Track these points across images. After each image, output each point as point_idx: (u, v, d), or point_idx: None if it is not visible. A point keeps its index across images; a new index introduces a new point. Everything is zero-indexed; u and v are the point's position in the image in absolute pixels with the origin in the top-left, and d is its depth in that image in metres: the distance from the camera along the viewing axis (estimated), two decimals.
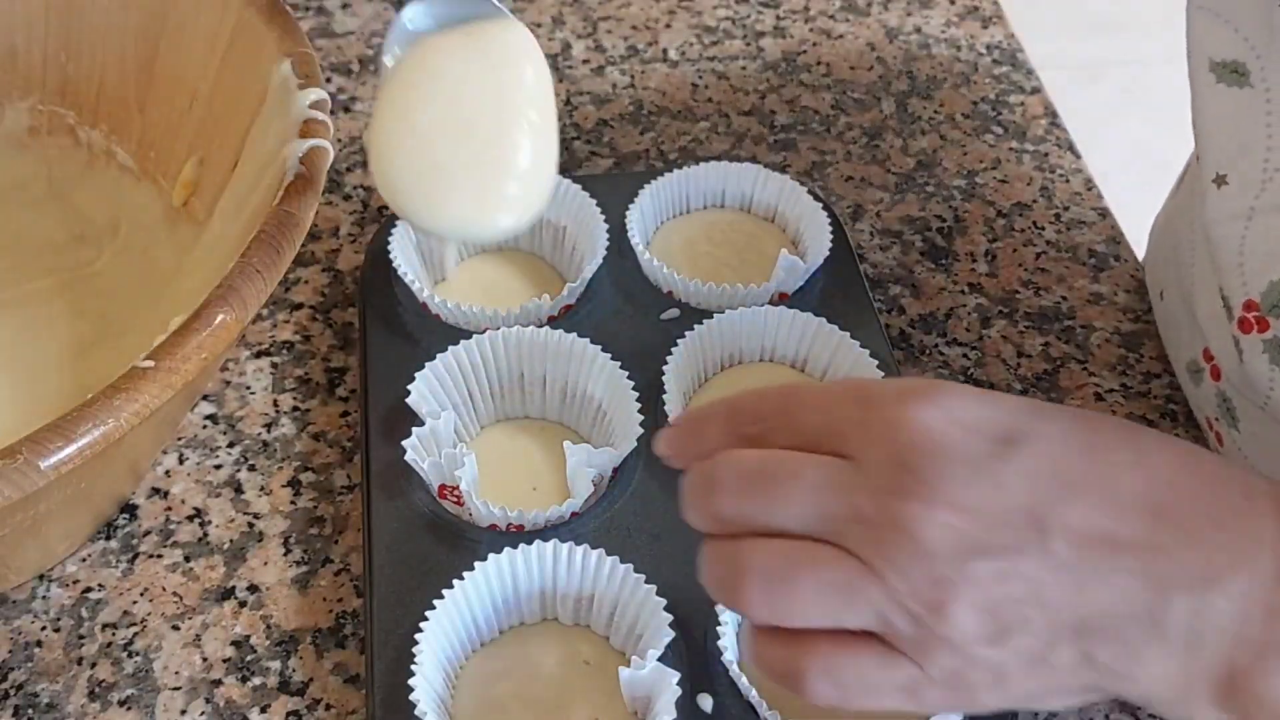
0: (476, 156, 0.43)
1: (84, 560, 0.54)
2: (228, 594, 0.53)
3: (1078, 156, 0.74)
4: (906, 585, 0.35)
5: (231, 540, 0.55)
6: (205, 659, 0.51)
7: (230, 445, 0.58)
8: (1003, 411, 0.36)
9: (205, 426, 0.58)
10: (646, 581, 0.48)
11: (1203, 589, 0.35)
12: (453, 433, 0.53)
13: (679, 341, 0.56)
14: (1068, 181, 0.72)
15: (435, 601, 0.47)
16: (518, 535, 0.51)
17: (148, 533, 0.55)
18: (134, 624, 0.52)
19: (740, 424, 0.40)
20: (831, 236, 0.61)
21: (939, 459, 0.35)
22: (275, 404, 0.60)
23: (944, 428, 0.35)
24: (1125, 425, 0.38)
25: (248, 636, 0.52)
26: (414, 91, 0.41)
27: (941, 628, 0.35)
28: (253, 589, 0.53)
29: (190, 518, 0.55)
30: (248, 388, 0.60)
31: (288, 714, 0.50)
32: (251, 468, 0.57)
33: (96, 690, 0.50)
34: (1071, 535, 0.35)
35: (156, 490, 0.56)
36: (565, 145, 0.73)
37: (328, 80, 0.76)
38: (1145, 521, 0.35)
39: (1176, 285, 0.61)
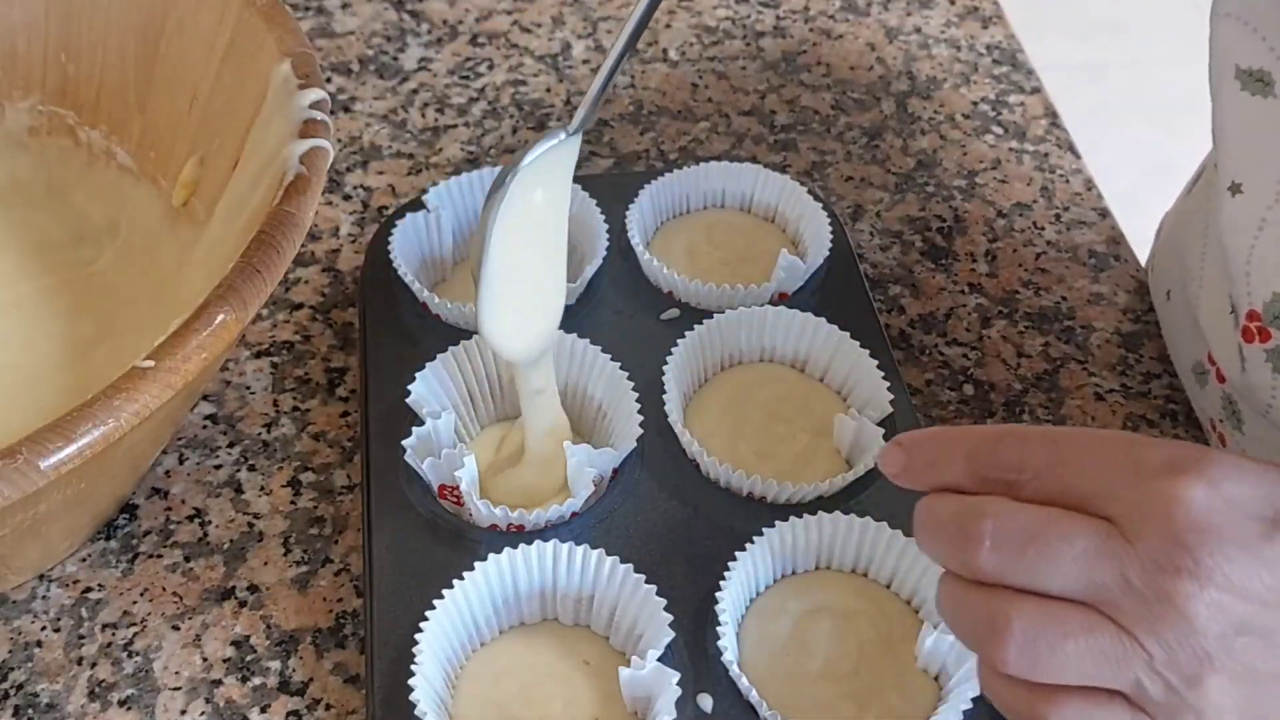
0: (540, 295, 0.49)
1: (84, 560, 0.54)
2: (228, 594, 0.53)
3: (1078, 156, 0.74)
4: (1168, 656, 0.35)
5: (231, 540, 0.55)
6: (205, 659, 0.51)
7: (230, 445, 0.58)
8: (1271, 487, 0.36)
9: (205, 426, 0.58)
10: (646, 581, 0.48)
11: None
12: (453, 433, 0.53)
13: (679, 341, 0.56)
14: (1068, 181, 0.72)
15: (435, 601, 0.47)
16: (518, 535, 0.51)
17: (148, 533, 0.55)
18: (134, 624, 0.52)
19: (995, 467, 0.39)
20: (831, 236, 0.61)
21: (1211, 539, 0.35)
22: (275, 404, 0.60)
23: (1218, 506, 0.35)
24: None
25: (248, 636, 0.52)
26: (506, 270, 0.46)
27: (1195, 697, 0.35)
28: (253, 589, 0.53)
29: (190, 518, 0.55)
30: (248, 388, 0.60)
31: (288, 714, 0.50)
32: (251, 468, 0.57)
33: (96, 690, 0.50)
34: None
35: (156, 490, 0.56)
36: None
37: (328, 80, 0.76)
38: None
39: (1181, 288, 0.61)
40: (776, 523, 0.50)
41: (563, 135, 0.46)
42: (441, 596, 0.47)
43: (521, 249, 0.46)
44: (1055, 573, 0.36)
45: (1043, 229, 0.69)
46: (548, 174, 0.46)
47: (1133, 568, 0.35)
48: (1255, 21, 0.51)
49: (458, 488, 0.51)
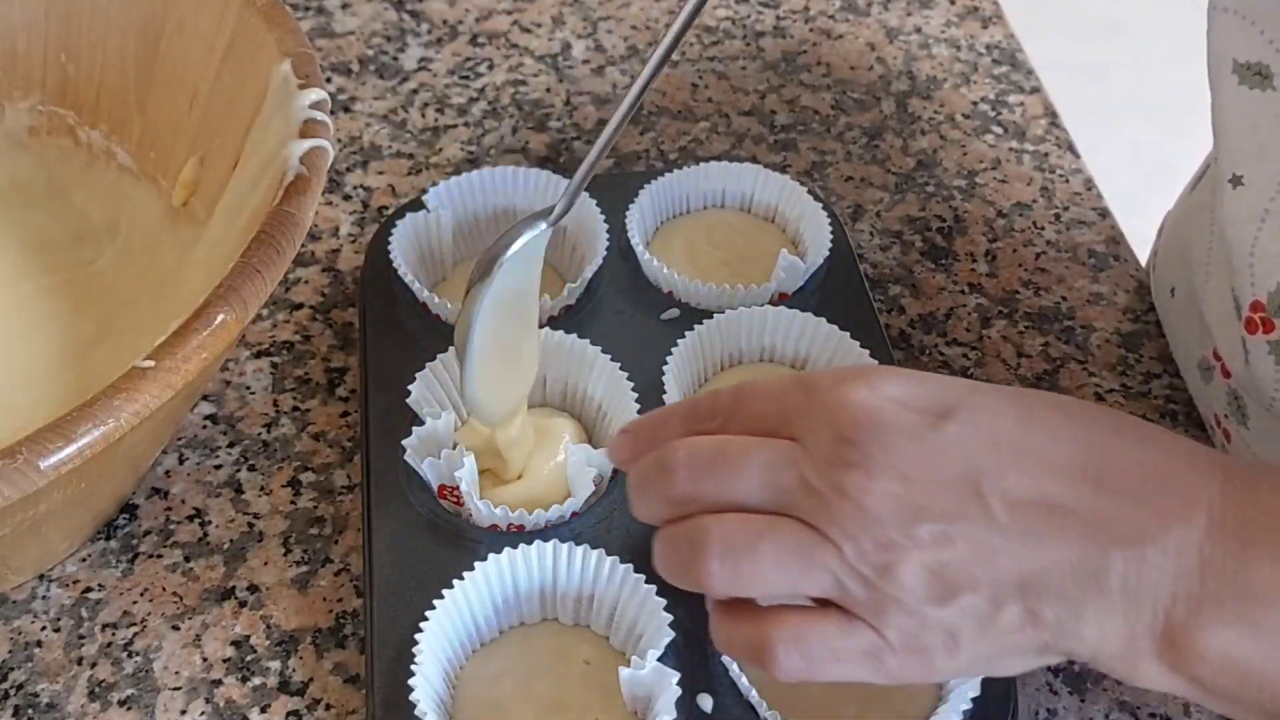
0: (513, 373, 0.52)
1: (84, 560, 0.54)
2: (228, 594, 0.53)
3: (1078, 156, 0.74)
4: (856, 550, 0.37)
5: (231, 540, 0.55)
6: (205, 659, 0.51)
7: (230, 445, 0.58)
8: (937, 388, 0.39)
9: (205, 426, 0.58)
10: (646, 581, 0.48)
11: (1139, 544, 0.36)
12: (452, 433, 0.53)
13: (679, 341, 0.56)
14: (1068, 181, 0.72)
15: (435, 601, 0.47)
16: (518, 535, 0.51)
17: (148, 533, 0.55)
18: (134, 624, 0.52)
19: (696, 422, 0.42)
20: (831, 236, 0.61)
21: (877, 431, 0.37)
22: (275, 404, 0.60)
23: (880, 404, 0.38)
24: (1059, 397, 0.40)
25: (248, 636, 0.52)
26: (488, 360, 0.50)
27: (892, 589, 0.37)
28: (253, 589, 0.53)
29: (190, 518, 0.55)
30: (248, 388, 0.60)
31: (288, 714, 0.50)
32: (251, 468, 0.57)
33: (96, 690, 0.50)
34: (1008, 499, 0.37)
35: (156, 490, 0.56)
36: (565, 145, 0.73)
37: (328, 80, 0.76)
38: (1082, 484, 0.37)
39: (1187, 284, 0.61)
40: None
41: (543, 226, 0.48)
42: (441, 596, 0.47)
43: (502, 328, 0.49)
44: (743, 485, 0.39)
45: (1043, 229, 0.69)
46: (525, 256, 0.49)
47: (809, 469, 0.38)
48: (1252, 15, 0.51)
49: (458, 488, 0.51)
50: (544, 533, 0.51)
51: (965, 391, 0.39)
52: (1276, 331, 0.50)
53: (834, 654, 0.38)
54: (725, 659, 0.47)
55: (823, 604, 0.39)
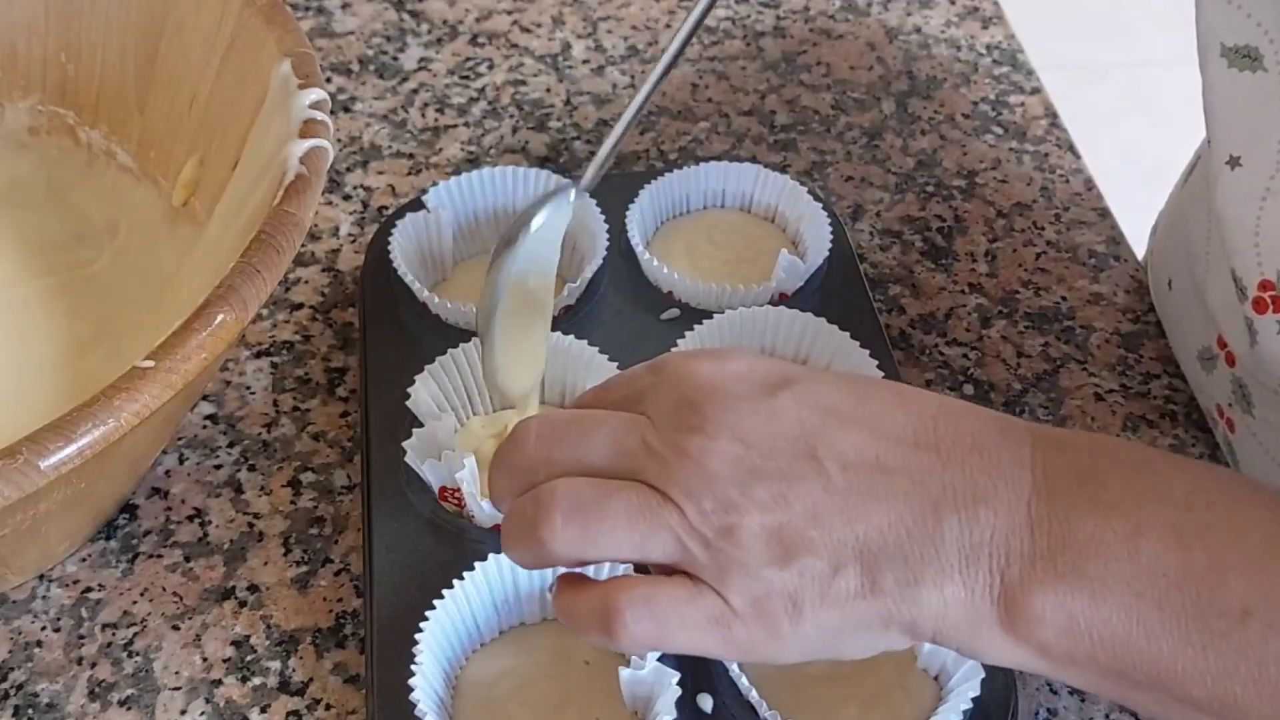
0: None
1: (84, 560, 0.54)
2: (228, 594, 0.53)
3: (1078, 157, 0.74)
4: (697, 509, 0.38)
5: (231, 540, 0.55)
6: (205, 659, 0.51)
7: (230, 445, 0.58)
8: (775, 365, 0.41)
9: (205, 426, 0.58)
10: None
11: (970, 505, 0.37)
12: (452, 434, 0.53)
13: (679, 341, 0.56)
14: (1068, 181, 0.72)
15: (435, 601, 0.47)
16: None
17: (148, 533, 0.55)
18: (134, 624, 0.52)
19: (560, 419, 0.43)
20: (831, 236, 0.61)
21: (716, 396, 0.39)
22: (275, 404, 0.60)
23: (721, 373, 0.40)
24: (888, 381, 0.42)
25: (248, 636, 0.52)
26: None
27: (733, 550, 0.38)
28: (253, 589, 0.53)
29: (190, 518, 0.55)
30: (248, 388, 0.60)
31: (288, 714, 0.50)
32: (251, 468, 0.57)
33: (96, 690, 0.50)
34: (843, 461, 0.38)
35: (156, 490, 0.56)
36: (565, 145, 0.73)
37: (328, 80, 0.76)
38: (912, 449, 0.38)
39: (1187, 274, 0.61)
40: None
41: (572, 194, 0.50)
42: (441, 596, 0.47)
43: (524, 301, 0.50)
44: (590, 450, 0.40)
45: (1043, 229, 0.69)
46: (550, 227, 0.50)
47: (651, 434, 0.39)
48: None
49: (459, 490, 0.51)
50: None
51: (805, 370, 0.41)
52: None
53: (683, 620, 0.38)
54: (725, 659, 0.47)
55: (667, 573, 0.39)
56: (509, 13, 0.82)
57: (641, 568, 0.41)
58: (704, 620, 0.38)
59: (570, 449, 0.40)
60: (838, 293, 0.61)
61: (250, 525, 0.55)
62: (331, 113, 0.52)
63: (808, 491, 0.38)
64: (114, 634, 0.52)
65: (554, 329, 0.56)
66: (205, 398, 0.59)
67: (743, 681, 0.46)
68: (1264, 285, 0.51)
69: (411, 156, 0.72)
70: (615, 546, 0.39)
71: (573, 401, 0.45)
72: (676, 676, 0.45)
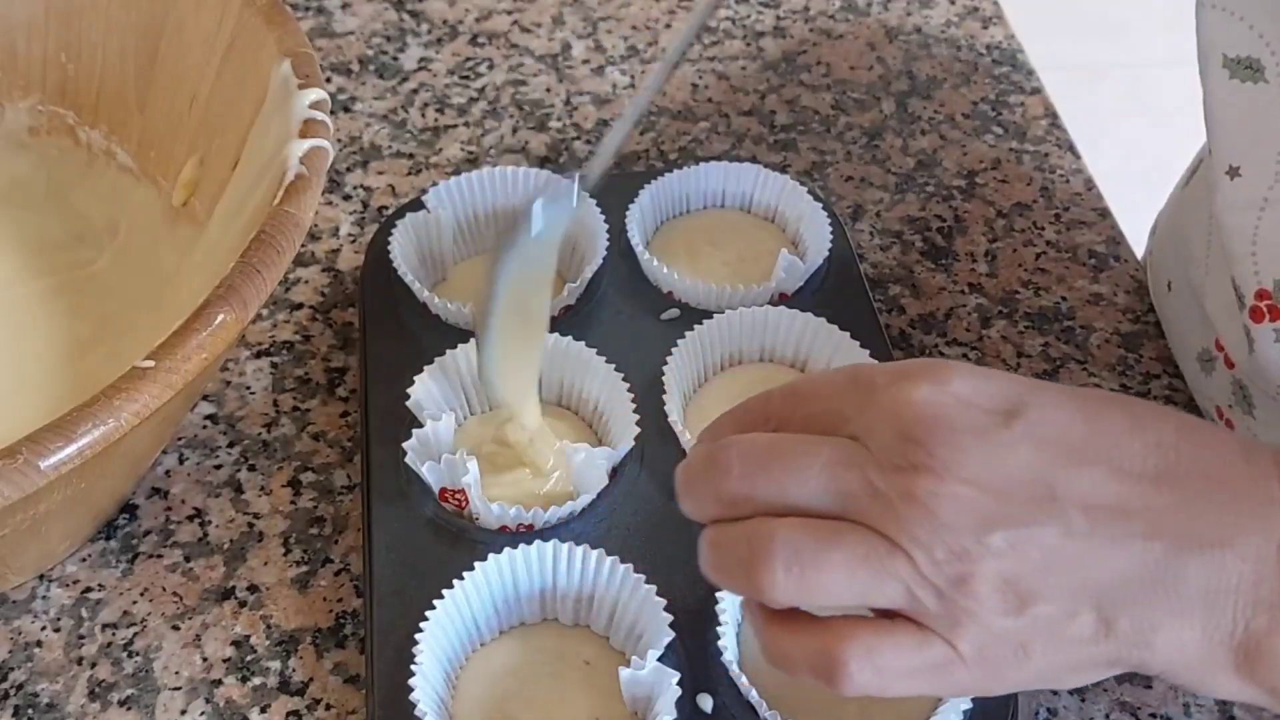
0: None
1: (84, 560, 0.54)
2: (228, 594, 0.53)
3: (1078, 157, 0.74)
4: (929, 559, 0.35)
5: (231, 540, 0.55)
6: (205, 659, 0.51)
7: (230, 445, 0.58)
8: (999, 385, 0.37)
9: (205, 426, 0.58)
10: (646, 581, 0.48)
11: (1216, 550, 0.35)
12: (452, 435, 0.53)
13: (679, 341, 0.56)
14: (1068, 182, 0.72)
15: (435, 601, 0.47)
16: (518, 535, 0.51)
17: (148, 533, 0.55)
18: (134, 624, 0.52)
19: (749, 425, 0.40)
20: (831, 236, 0.61)
21: (943, 431, 0.35)
22: (275, 404, 0.60)
23: (944, 401, 0.36)
24: (1122, 397, 0.39)
25: (248, 636, 0.52)
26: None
27: (966, 601, 0.35)
28: (253, 589, 0.53)
29: (190, 518, 0.55)
30: (248, 388, 0.60)
31: (288, 714, 0.50)
32: (251, 468, 0.57)
33: (96, 690, 0.50)
34: (1082, 504, 0.35)
35: (156, 490, 0.56)
36: (565, 145, 0.73)
37: (328, 80, 0.76)
38: (1153, 487, 0.36)
39: (1185, 277, 0.61)
40: None
41: (575, 194, 0.49)
42: (441, 596, 0.47)
43: (522, 300, 0.49)
44: (803, 486, 0.36)
45: (1043, 229, 0.69)
46: (550, 230, 0.49)
47: (874, 471, 0.36)
48: (1240, 10, 0.51)
49: (460, 491, 0.51)
50: (544, 533, 0.51)
51: (1031, 389, 0.37)
52: None
53: (908, 669, 0.36)
54: (725, 659, 0.47)
55: (886, 614, 0.37)
56: (509, 13, 0.82)
57: None
58: (928, 667, 0.36)
59: (779, 484, 0.37)
60: (838, 293, 0.61)
61: (250, 525, 0.55)
62: (331, 113, 0.52)
63: (1045, 537, 0.35)
64: (114, 634, 0.52)
65: (554, 329, 0.56)
66: (205, 398, 0.59)
67: (742, 681, 0.46)
68: (1260, 294, 0.51)
69: (411, 156, 0.72)
70: (837, 594, 0.36)
71: (753, 405, 0.41)
72: (676, 676, 0.45)
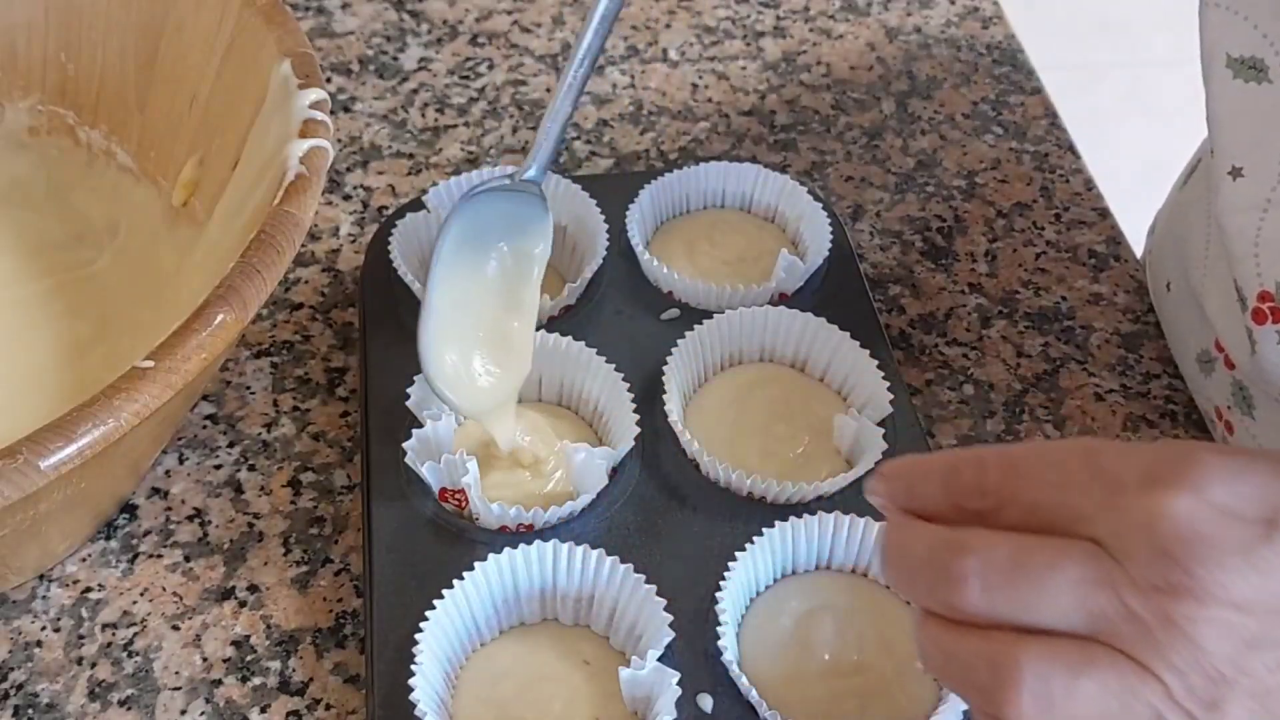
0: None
1: (84, 560, 0.54)
2: (228, 594, 0.53)
3: (1078, 157, 0.74)
4: (1184, 686, 0.33)
5: (231, 540, 0.55)
6: (205, 659, 0.51)
7: (230, 445, 0.58)
8: (1257, 486, 0.34)
9: (205, 426, 0.58)
10: (646, 581, 0.48)
11: None
12: (452, 435, 0.53)
13: (679, 341, 0.56)
14: (1068, 181, 0.72)
15: (435, 601, 0.47)
16: (518, 535, 0.51)
17: (148, 533, 0.55)
18: (134, 624, 0.52)
19: (959, 493, 0.37)
20: (831, 236, 0.61)
21: (1204, 551, 0.33)
22: (275, 404, 0.60)
23: (1206, 514, 0.33)
24: None
25: (248, 636, 0.52)
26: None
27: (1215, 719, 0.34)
28: (253, 589, 0.53)
29: (190, 518, 0.55)
30: (248, 388, 0.60)
31: (288, 714, 0.50)
32: (251, 468, 0.57)
33: (96, 690, 0.50)
34: None
35: (156, 490, 0.56)
36: (565, 145, 0.73)
37: (328, 80, 0.76)
38: None
39: (1184, 278, 0.61)
40: (776, 523, 0.50)
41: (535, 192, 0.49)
42: (441, 596, 0.47)
43: (473, 288, 0.48)
44: (1051, 606, 0.34)
45: (1043, 229, 0.69)
46: (517, 219, 0.49)
47: (1129, 593, 0.33)
48: (1244, 10, 0.51)
49: (459, 491, 0.51)
50: (544, 533, 0.51)
51: None
52: None
53: None
54: (725, 659, 0.47)
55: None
56: (509, 13, 0.82)
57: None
58: None
59: (1024, 606, 0.34)
60: (838, 293, 0.61)
61: (250, 525, 0.55)
62: (331, 113, 0.52)
63: None
64: (114, 634, 0.52)
65: (554, 329, 0.56)
66: (205, 398, 0.59)
67: (742, 681, 0.46)
68: (1263, 296, 0.51)
69: (411, 156, 0.72)
70: (1076, 714, 0.34)
71: (966, 470, 0.37)
72: (676, 676, 0.45)
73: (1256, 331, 0.52)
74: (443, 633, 0.47)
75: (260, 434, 0.58)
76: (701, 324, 0.57)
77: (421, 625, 0.46)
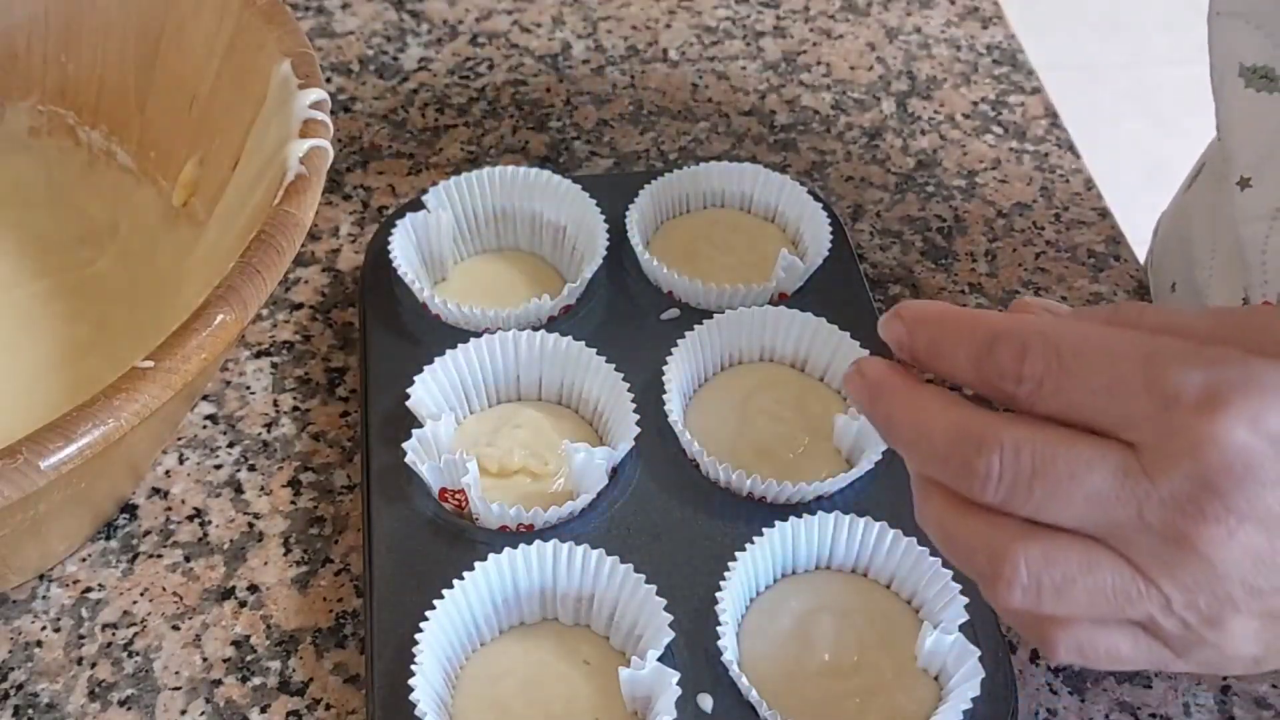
0: None
1: (84, 560, 0.54)
2: (228, 594, 0.53)
3: (1078, 156, 0.74)
4: (1186, 599, 0.33)
5: (231, 540, 0.55)
6: (205, 659, 0.51)
7: (230, 445, 0.58)
8: None
9: (205, 426, 0.58)
10: (646, 581, 0.48)
11: None
12: (452, 435, 0.53)
13: (679, 341, 0.56)
14: (1068, 181, 0.72)
15: (435, 601, 0.47)
16: (518, 535, 0.51)
17: (148, 533, 0.55)
18: (134, 624, 0.52)
19: (992, 373, 0.34)
20: (831, 236, 0.61)
21: (1249, 483, 0.31)
22: (275, 404, 0.60)
23: (1260, 447, 0.31)
24: None
25: (248, 636, 0.52)
26: None
27: (1215, 636, 0.33)
28: (253, 589, 0.53)
29: (190, 518, 0.55)
30: (248, 388, 0.60)
31: (288, 714, 0.50)
32: (251, 468, 0.57)
33: (96, 690, 0.50)
34: None
35: (156, 490, 0.56)
36: (565, 145, 0.73)
37: (328, 80, 0.76)
38: None
39: (1189, 280, 0.61)
40: (776, 523, 0.50)
41: None
42: (441, 596, 0.47)
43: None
44: (1064, 510, 0.33)
45: (1043, 229, 0.69)
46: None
47: (1151, 505, 0.32)
48: (1258, 19, 0.51)
49: (459, 491, 0.51)
50: (544, 533, 0.51)
51: None
52: None
53: (1116, 660, 0.35)
54: (725, 659, 0.47)
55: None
56: (509, 13, 0.82)
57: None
58: (1137, 663, 0.34)
59: (1038, 507, 0.33)
60: (838, 293, 0.61)
61: (250, 525, 0.55)
62: (331, 113, 0.52)
63: None
64: (114, 634, 0.52)
65: (553, 329, 0.56)
66: (205, 398, 0.59)
67: (742, 681, 0.46)
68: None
69: (411, 156, 0.72)
70: (1074, 613, 0.34)
71: (1005, 351, 0.34)
72: (676, 676, 0.45)
73: None
74: (443, 633, 0.47)
75: (260, 434, 0.58)
76: (701, 324, 0.57)
77: (421, 625, 0.46)
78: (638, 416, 0.53)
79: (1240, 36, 0.51)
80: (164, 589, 0.53)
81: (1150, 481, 0.32)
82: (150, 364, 0.42)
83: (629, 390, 0.54)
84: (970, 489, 0.34)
